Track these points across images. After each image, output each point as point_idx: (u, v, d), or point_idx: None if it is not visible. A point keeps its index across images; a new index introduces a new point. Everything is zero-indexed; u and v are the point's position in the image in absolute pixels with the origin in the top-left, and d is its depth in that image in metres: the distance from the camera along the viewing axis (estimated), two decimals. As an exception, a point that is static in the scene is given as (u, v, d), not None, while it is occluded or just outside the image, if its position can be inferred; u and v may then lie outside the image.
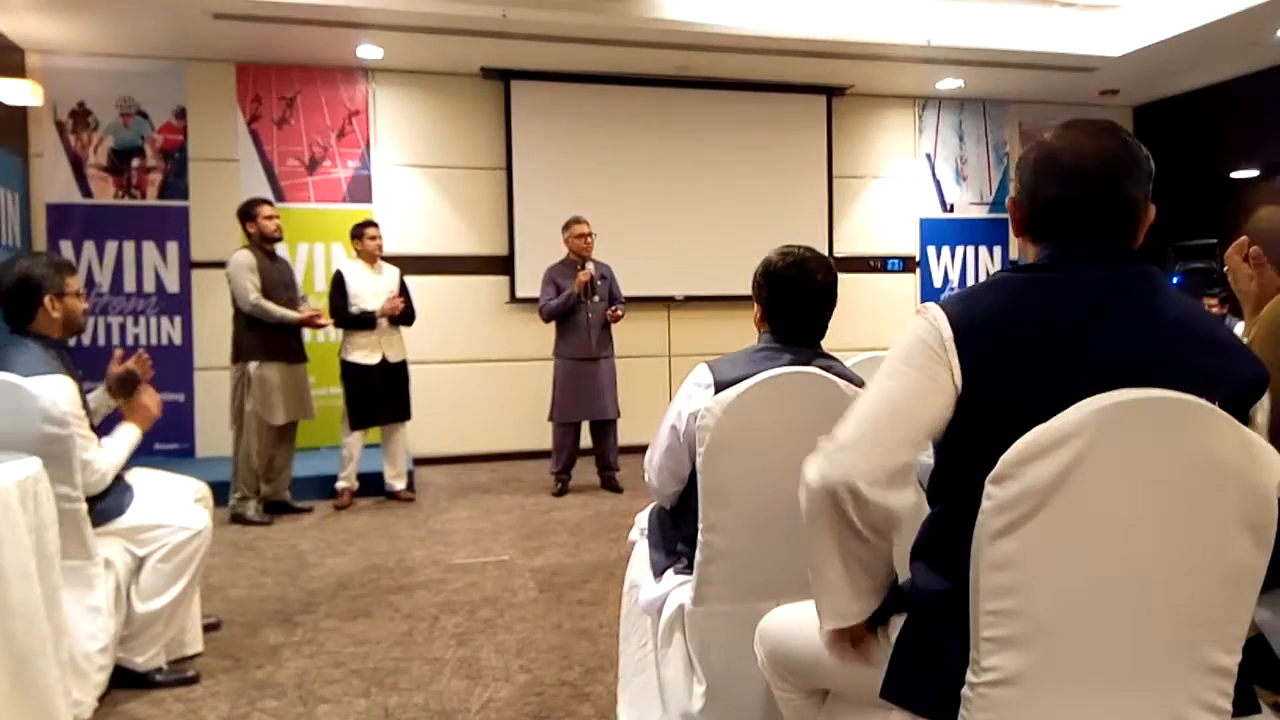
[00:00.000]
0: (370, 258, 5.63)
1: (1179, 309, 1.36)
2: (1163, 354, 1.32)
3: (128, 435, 3.03)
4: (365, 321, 5.53)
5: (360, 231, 5.65)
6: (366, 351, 5.56)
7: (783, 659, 1.73)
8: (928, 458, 1.49)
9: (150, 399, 3.16)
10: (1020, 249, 1.53)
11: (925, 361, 1.35)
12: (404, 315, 5.69)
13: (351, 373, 5.56)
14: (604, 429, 5.94)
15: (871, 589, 1.43)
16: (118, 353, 3.22)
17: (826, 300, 2.19)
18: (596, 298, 5.81)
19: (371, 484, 5.77)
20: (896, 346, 1.41)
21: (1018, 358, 1.33)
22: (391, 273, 5.73)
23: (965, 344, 1.34)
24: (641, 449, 2.61)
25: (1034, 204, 1.44)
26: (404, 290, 5.73)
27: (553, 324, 5.86)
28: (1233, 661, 1.32)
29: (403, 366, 5.72)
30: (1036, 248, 1.46)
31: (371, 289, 5.59)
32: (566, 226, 5.90)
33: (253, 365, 5.14)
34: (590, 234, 5.85)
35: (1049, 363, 1.32)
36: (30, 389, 2.59)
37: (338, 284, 5.56)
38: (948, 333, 1.35)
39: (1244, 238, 1.81)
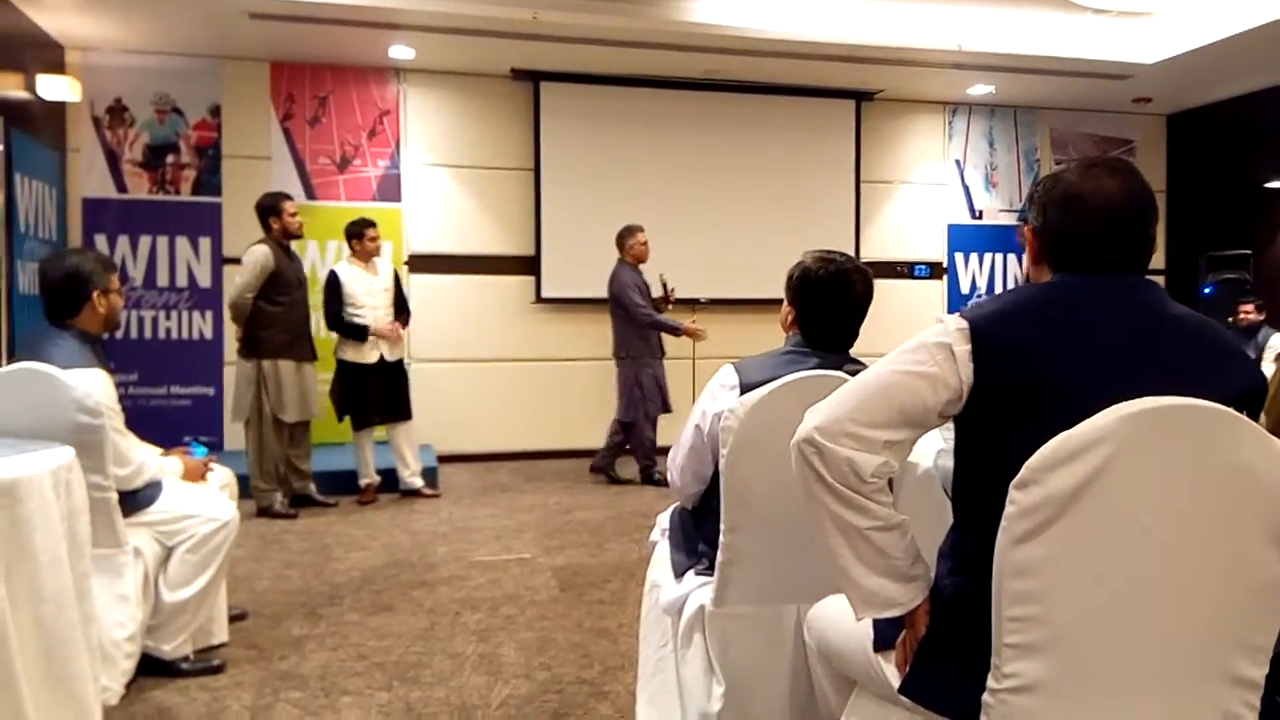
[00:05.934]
0: (367, 257, 5.56)
1: (1182, 311, 1.44)
2: (1165, 347, 1.38)
3: (172, 460, 3.21)
4: (358, 333, 5.46)
5: (360, 231, 5.52)
6: (363, 350, 5.51)
7: (825, 646, 1.79)
8: (948, 460, 1.50)
9: (204, 470, 3.33)
10: (1034, 276, 1.57)
11: (923, 354, 1.41)
12: (399, 310, 5.69)
13: (346, 372, 5.53)
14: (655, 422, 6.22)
15: (887, 568, 1.42)
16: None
17: (862, 310, 2.21)
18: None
19: (394, 480, 5.80)
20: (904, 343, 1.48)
21: (1031, 344, 1.38)
22: (386, 270, 5.68)
23: (979, 331, 1.40)
24: (666, 449, 2.62)
25: (1057, 238, 1.49)
26: (399, 289, 5.70)
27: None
28: (1259, 674, 1.31)
29: (400, 365, 5.66)
30: (1053, 275, 1.51)
31: (367, 288, 5.53)
32: (631, 233, 6.08)
33: (266, 362, 5.17)
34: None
35: (1061, 349, 1.37)
36: (65, 379, 2.63)
37: (332, 287, 5.47)
38: (960, 324, 1.41)
39: None
